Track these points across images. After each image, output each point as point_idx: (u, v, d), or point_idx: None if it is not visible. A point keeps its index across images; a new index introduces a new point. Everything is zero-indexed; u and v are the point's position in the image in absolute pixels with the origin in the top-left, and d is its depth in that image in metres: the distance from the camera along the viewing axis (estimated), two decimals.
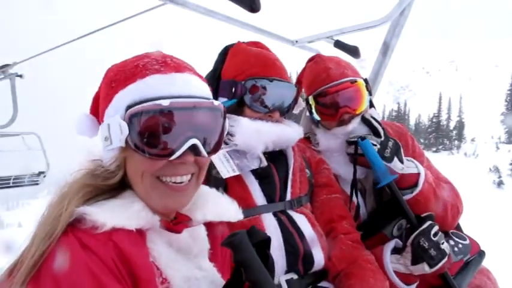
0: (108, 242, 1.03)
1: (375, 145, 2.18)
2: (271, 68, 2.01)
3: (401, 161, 2.20)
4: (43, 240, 1.01)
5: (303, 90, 2.45)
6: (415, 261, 1.94)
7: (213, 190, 1.45)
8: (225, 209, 1.39)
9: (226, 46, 2.22)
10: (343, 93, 2.29)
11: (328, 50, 2.86)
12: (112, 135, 1.14)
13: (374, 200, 2.36)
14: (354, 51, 2.97)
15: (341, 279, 1.85)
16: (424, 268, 1.92)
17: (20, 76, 6.72)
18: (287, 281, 1.76)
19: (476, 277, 2.31)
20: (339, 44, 3.03)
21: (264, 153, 1.96)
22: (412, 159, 2.30)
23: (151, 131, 1.11)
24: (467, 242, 2.34)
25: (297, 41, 3.33)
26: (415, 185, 2.18)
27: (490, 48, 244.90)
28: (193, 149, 1.15)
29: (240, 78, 1.97)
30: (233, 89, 1.95)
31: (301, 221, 1.91)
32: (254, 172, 1.92)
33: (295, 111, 2.39)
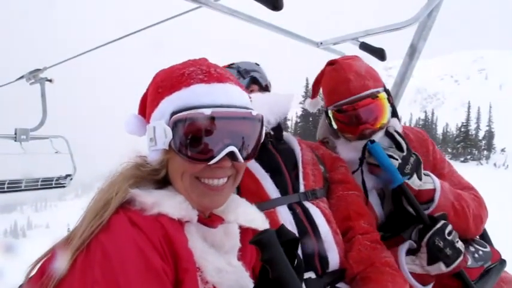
0: (155, 222, 1.14)
1: (396, 159, 2.14)
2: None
3: (420, 178, 2.16)
4: (93, 220, 1.11)
5: (321, 96, 2.42)
6: (431, 261, 1.94)
7: (243, 199, 1.54)
8: (254, 217, 1.47)
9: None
10: (363, 109, 2.23)
11: (353, 52, 2.80)
12: (157, 138, 1.26)
13: (392, 203, 2.32)
14: (379, 53, 2.92)
15: (358, 282, 1.80)
16: (441, 267, 1.91)
17: (50, 81, 6.86)
18: (305, 280, 1.72)
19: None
20: (364, 46, 2.99)
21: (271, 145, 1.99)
22: (429, 173, 2.25)
23: (193, 137, 1.22)
24: (488, 249, 2.33)
25: (321, 43, 3.29)
26: (431, 200, 2.15)
27: None
28: (231, 155, 1.25)
29: None
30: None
31: (317, 214, 1.87)
32: (263, 165, 1.90)
33: (313, 109, 2.47)
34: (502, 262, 2.37)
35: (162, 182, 1.31)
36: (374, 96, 2.23)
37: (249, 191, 1.62)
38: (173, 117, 1.21)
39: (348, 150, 2.32)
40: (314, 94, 2.58)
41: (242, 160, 1.28)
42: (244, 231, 1.43)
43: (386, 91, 2.32)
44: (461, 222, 2.19)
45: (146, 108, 1.38)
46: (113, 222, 1.10)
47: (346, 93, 2.24)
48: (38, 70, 6.66)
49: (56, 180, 7.65)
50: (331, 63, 2.40)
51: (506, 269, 2.42)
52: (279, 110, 2.02)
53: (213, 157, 1.23)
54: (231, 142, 1.25)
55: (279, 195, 1.86)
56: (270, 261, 1.05)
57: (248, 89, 2.02)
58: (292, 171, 1.98)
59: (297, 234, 1.75)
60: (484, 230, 2.52)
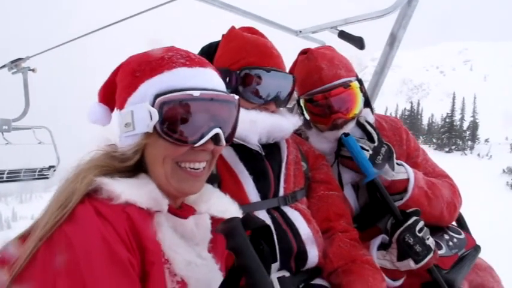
0: (121, 213, 1.10)
1: (367, 150, 2.14)
2: (268, 57, 1.94)
3: (393, 168, 2.17)
4: (57, 210, 1.06)
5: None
6: (400, 257, 1.95)
7: (217, 189, 1.54)
8: (227, 207, 1.46)
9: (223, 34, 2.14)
10: (335, 98, 2.21)
11: (333, 41, 2.78)
12: (136, 121, 1.22)
13: (367, 193, 2.32)
14: (358, 42, 2.90)
15: (338, 274, 1.82)
16: (410, 264, 1.93)
17: (33, 70, 6.75)
18: (279, 279, 1.71)
19: (480, 275, 2.31)
20: (343, 35, 2.97)
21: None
22: (402, 163, 2.27)
23: (181, 119, 1.20)
24: (463, 236, 2.34)
25: (300, 31, 3.29)
26: (405, 190, 2.16)
27: (506, 49, 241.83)
28: (215, 137, 1.25)
29: (234, 67, 1.90)
30: (227, 79, 1.87)
31: (296, 217, 1.86)
32: (248, 168, 1.87)
33: (289, 105, 2.33)
34: (477, 248, 2.37)
35: (132, 170, 1.26)
36: (346, 85, 2.22)
37: (231, 193, 1.57)
38: (159, 98, 1.18)
39: (320, 141, 2.32)
40: None
41: (224, 143, 1.29)
42: (216, 222, 1.41)
43: (359, 80, 2.32)
44: (435, 211, 2.21)
45: (114, 95, 1.35)
46: (77, 212, 1.06)
47: (318, 82, 2.23)
48: (20, 59, 6.55)
49: (39, 171, 7.60)
50: (304, 52, 2.40)
51: (486, 256, 2.44)
52: (277, 135, 1.97)
53: (199, 139, 1.23)
54: (216, 124, 1.26)
55: (259, 199, 1.84)
56: (234, 249, 1.05)
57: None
58: (277, 172, 1.95)
59: (275, 237, 1.70)
60: (461, 216, 2.55)
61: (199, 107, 1.23)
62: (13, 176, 7.40)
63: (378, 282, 1.80)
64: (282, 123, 1.95)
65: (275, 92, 1.94)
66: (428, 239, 1.98)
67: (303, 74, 2.28)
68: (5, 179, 7.31)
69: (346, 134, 2.17)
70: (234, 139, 1.77)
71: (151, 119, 1.18)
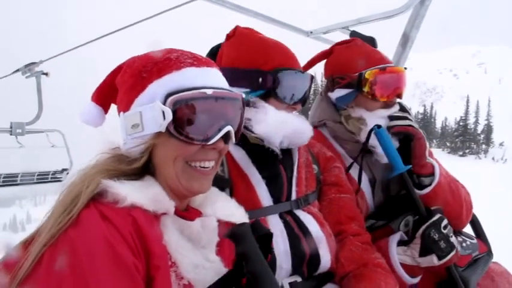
0: (127, 216, 1.09)
1: (411, 120, 2.23)
2: (291, 58, 1.93)
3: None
4: (62, 215, 1.05)
5: (330, 70, 2.40)
6: (423, 253, 1.94)
7: (223, 193, 1.52)
8: (233, 211, 1.45)
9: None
10: (401, 75, 2.29)
11: None
12: (146, 122, 1.20)
13: (382, 193, 2.31)
14: (370, 42, 2.79)
15: (350, 279, 1.77)
16: (433, 260, 1.92)
17: (46, 74, 6.82)
18: (290, 284, 1.69)
19: (495, 279, 2.29)
20: (355, 35, 2.92)
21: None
22: None
23: (194, 117, 1.20)
24: (475, 241, 2.36)
25: (311, 32, 3.26)
26: (432, 173, 2.18)
27: None
28: (225, 135, 1.25)
29: (266, 67, 1.86)
30: (260, 79, 1.84)
31: (309, 220, 1.83)
32: (261, 171, 1.84)
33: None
34: (490, 253, 2.39)
35: (138, 173, 1.24)
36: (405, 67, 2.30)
37: (243, 197, 1.55)
38: (172, 97, 1.17)
39: (377, 119, 2.24)
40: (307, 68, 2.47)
41: (234, 140, 1.30)
42: (223, 225, 1.40)
43: None
44: (456, 205, 2.23)
45: (109, 97, 1.37)
46: (82, 217, 1.05)
47: (385, 59, 2.30)
48: (33, 63, 6.61)
49: (53, 174, 7.68)
50: (343, 42, 2.44)
51: (501, 260, 2.45)
52: (297, 141, 1.93)
53: (212, 137, 1.22)
54: (227, 122, 1.26)
55: (272, 203, 1.81)
56: (244, 255, 1.05)
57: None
58: (290, 175, 1.91)
59: (287, 241, 1.73)
60: (477, 221, 2.54)
61: (212, 105, 1.23)
62: (27, 179, 7.49)
63: (390, 286, 1.76)
64: (304, 128, 1.92)
65: (302, 92, 1.93)
66: (451, 236, 1.97)
67: (360, 55, 2.30)
68: (18, 182, 7.40)
69: (379, 126, 2.17)
70: (255, 137, 1.76)
71: (164, 118, 1.16)
